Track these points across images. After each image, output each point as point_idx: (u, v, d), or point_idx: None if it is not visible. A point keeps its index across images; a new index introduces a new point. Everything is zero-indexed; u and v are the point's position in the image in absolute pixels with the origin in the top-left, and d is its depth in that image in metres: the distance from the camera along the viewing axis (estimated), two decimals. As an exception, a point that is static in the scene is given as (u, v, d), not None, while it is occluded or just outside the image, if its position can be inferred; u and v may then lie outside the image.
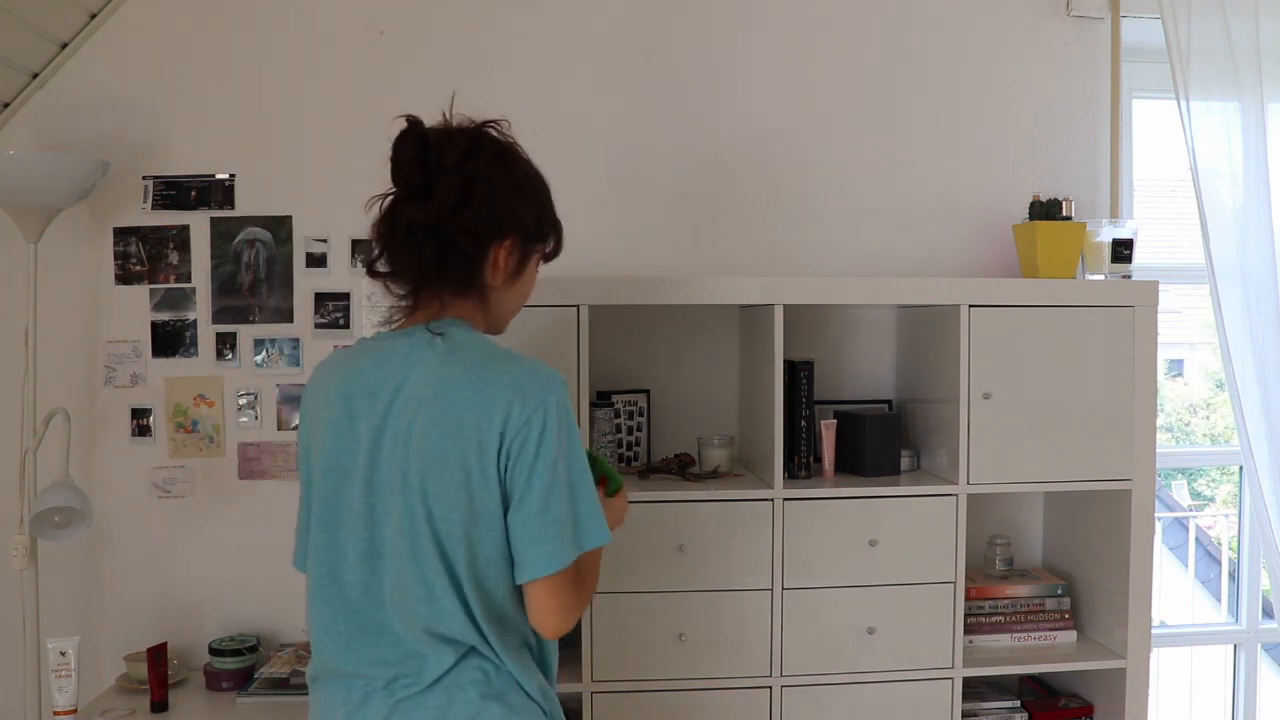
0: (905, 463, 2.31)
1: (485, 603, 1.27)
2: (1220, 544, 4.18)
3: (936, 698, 2.15)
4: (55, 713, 2.07)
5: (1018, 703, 2.30)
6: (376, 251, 1.35)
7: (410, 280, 1.35)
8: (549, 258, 1.47)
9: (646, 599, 2.08)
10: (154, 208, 2.43)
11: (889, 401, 2.53)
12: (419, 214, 1.30)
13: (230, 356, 2.44)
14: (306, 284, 2.45)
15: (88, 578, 2.43)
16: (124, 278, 2.43)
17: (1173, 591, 4.29)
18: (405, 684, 1.27)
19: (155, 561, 2.44)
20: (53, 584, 2.35)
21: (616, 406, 2.38)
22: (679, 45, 2.50)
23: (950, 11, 2.55)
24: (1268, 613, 2.81)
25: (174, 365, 2.44)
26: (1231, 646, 2.83)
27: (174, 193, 2.43)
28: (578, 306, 2.05)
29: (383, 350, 1.33)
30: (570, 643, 2.03)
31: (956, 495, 2.14)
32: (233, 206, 2.44)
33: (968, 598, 2.22)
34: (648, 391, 2.45)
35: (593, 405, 2.26)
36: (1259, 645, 2.81)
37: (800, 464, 2.21)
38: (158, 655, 2.17)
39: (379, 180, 1.35)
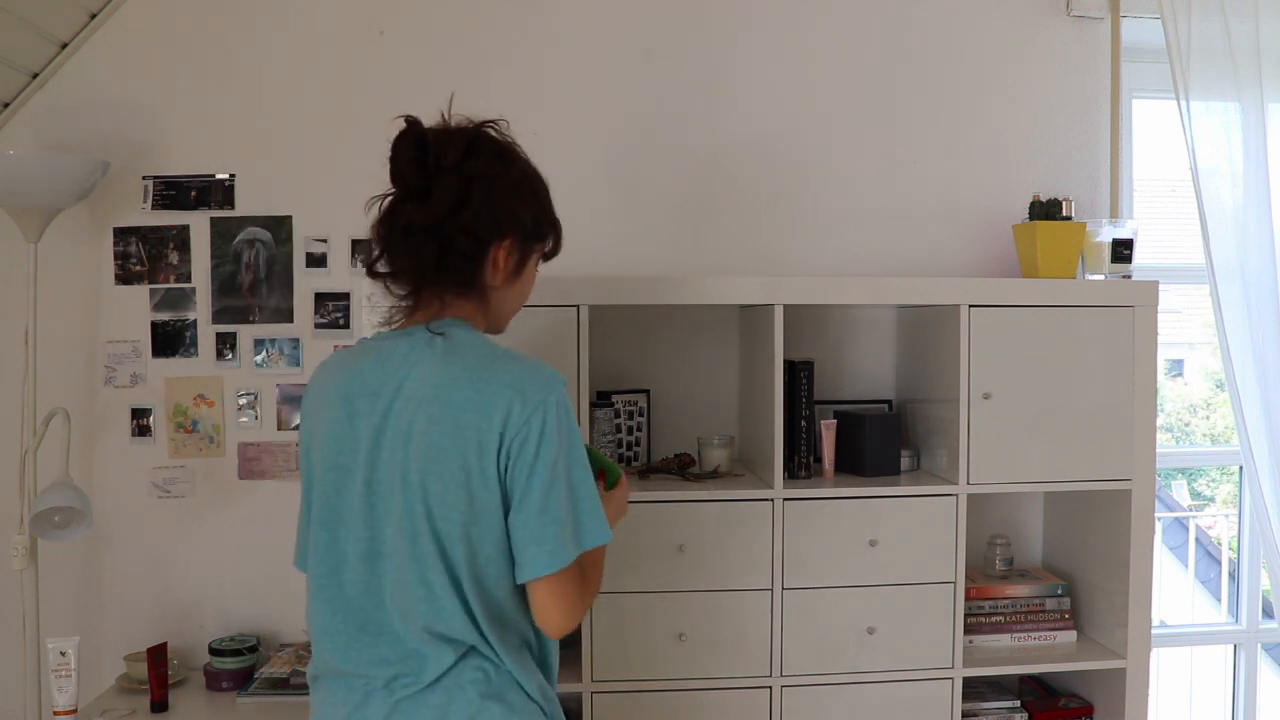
0: (905, 463, 2.31)
1: (485, 602, 1.27)
2: (1220, 544, 4.18)
3: (936, 698, 2.15)
4: (55, 713, 2.07)
5: (1018, 703, 2.30)
6: (376, 252, 1.35)
7: (410, 280, 1.35)
8: (548, 257, 1.47)
9: (646, 599, 2.08)
10: (154, 208, 2.43)
11: (889, 401, 2.53)
12: (418, 214, 1.30)
13: (230, 356, 2.44)
14: (306, 284, 2.45)
15: (88, 578, 2.43)
16: (124, 278, 2.43)
17: (1173, 591, 4.29)
18: (405, 683, 1.27)
19: (155, 561, 2.44)
20: (53, 584, 2.35)
21: (616, 406, 2.38)
22: (679, 45, 2.50)
23: (950, 11, 2.55)
24: (1268, 613, 2.81)
25: (174, 365, 2.44)
26: (1231, 646, 2.83)
27: (174, 193, 2.43)
28: (578, 306, 2.05)
29: (383, 350, 1.33)
30: (570, 643, 2.03)
31: (956, 495, 2.14)
32: (233, 206, 2.44)
33: (968, 598, 2.22)
34: (648, 391, 2.45)
35: (593, 405, 2.26)
36: (1259, 645, 2.81)
37: (800, 464, 2.21)
38: (158, 655, 2.17)
39: (379, 180, 1.35)
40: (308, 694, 1.38)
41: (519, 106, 2.39)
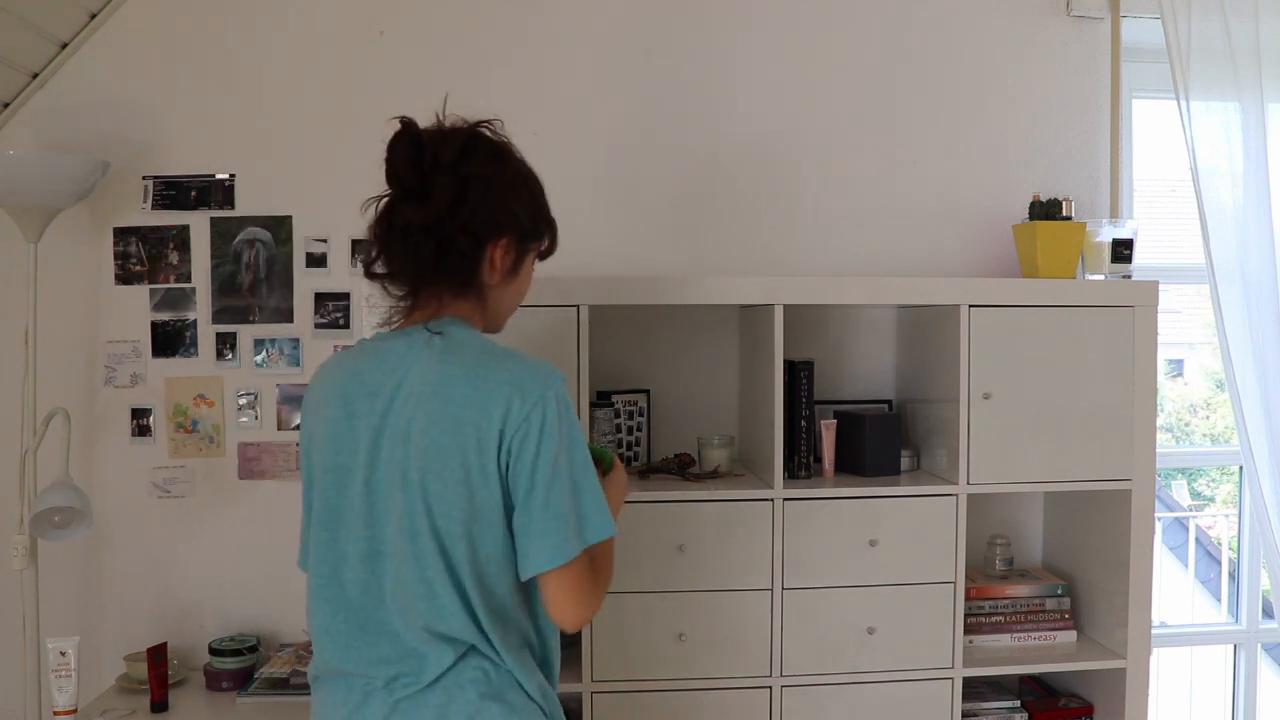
0: (905, 463, 2.31)
1: (487, 600, 1.27)
2: (1220, 544, 4.18)
3: (936, 698, 2.15)
4: (55, 713, 2.07)
5: (1018, 703, 2.30)
6: (374, 253, 1.35)
7: (408, 280, 1.35)
8: (544, 256, 1.47)
9: (646, 599, 2.08)
10: (154, 208, 2.43)
11: (889, 401, 2.53)
12: (415, 214, 1.30)
13: (230, 356, 2.44)
14: (306, 284, 2.45)
15: (88, 578, 2.43)
16: (124, 278, 2.43)
17: (1173, 591, 4.29)
18: (405, 683, 1.27)
19: (155, 561, 2.44)
20: (53, 584, 2.35)
21: (616, 406, 2.38)
22: (679, 45, 2.50)
23: (950, 11, 2.55)
24: (1268, 613, 2.81)
25: (174, 365, 2.44)
26: (1231, 646, 2.83)
27: (174, 193, 2.43)
28: (578, 306, 2.05)
29: (382, 350, 1.33)
30: (570, 643, 2.03)
31: (956, 495, 2.14)
32: (233, 206, 2.44)
33: (968, 598, 2.22)
34: (648, 391, 2.45)
35: (593, 405, 2.26)
36: (1259, 645, 2.81)
37: (800, 464, 2.21)
38: (158, 655, 2.17)
39: (379, 180, 1.35)
40: (308, 694, 1.38)
41: (519, 106, 2.42)
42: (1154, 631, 2.26)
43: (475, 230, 1.32)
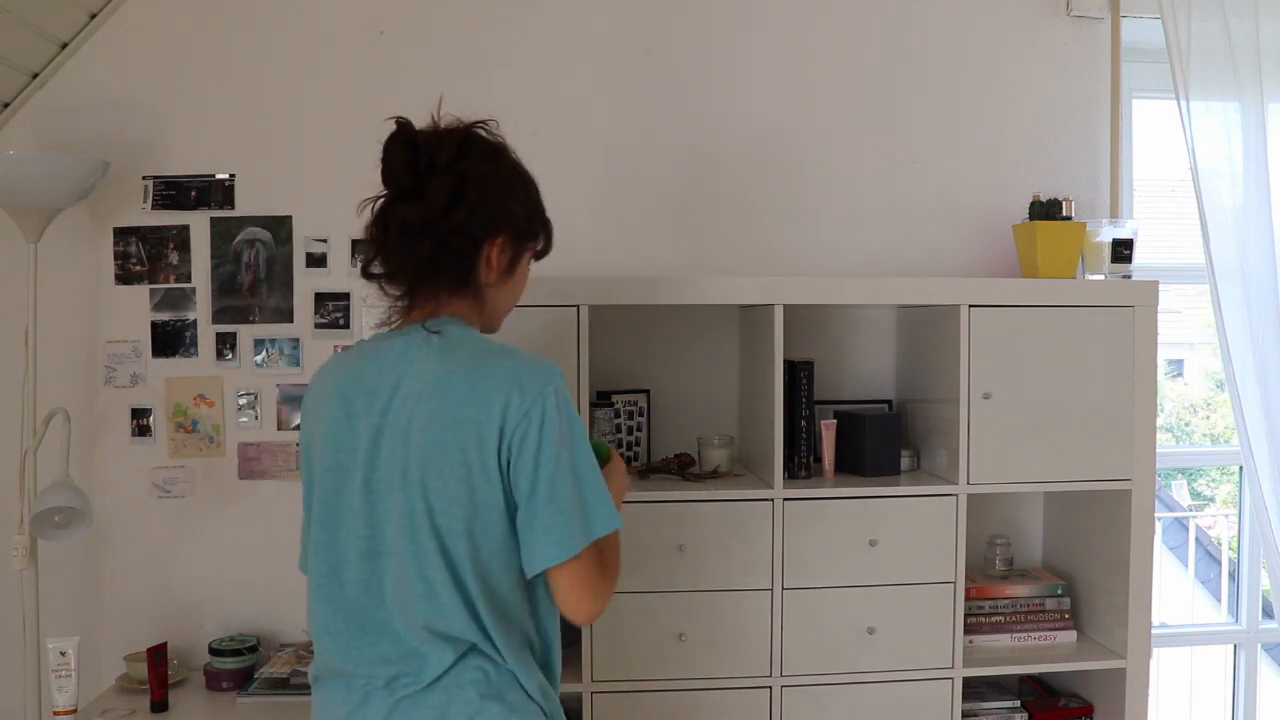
0: (905, 463, 2.31)
1: (489, 599, 1.27)
2: (1220, 544, 4.18)
3: (936, 698, 2.15)
4: (55, 713, 2.07)
5: (1018, 703, 2.30)
6: (371, 253, 1.36)
7: (405, 280, 1.36)
8: (540, 255, 1.48)
9: (646, 599, 2.08)
10: (154, 208, 2.43)
11: (889, 401, 2.53)
12: (412, 214, 1.31)
13: (230, 356, 2.44)
14: (306, 284, 2.45)
15: (88, 578, 2.43)
16: (124, 278, 2.43)
17: (1173, 591, 4.29)
18: (405, 683, 1.27)
19: (155, 561, 2.44)
20: (53, 584, 2.35)
21: (616, 406, 2.38)
22: (679, 45, 2.50)
23: (950, 11, 2.55)
24: (1268, 613, 2.81)
25: (174, 365, 2.44)
26: (1231, 646, 2.83)
27: (174, 193, 2.43)
28: (578, 306, 2.05)
29: (380, 350, 1.34)
30: (570, 643, 2.03)
31: (956, 495, 2.14)
32: (233, 206, 2.44)
33: (968, 598, 2.22)
34: (648, 391, 2.45)
35: (593, 405, 2.26)
36: (1259, 645, 2.81)
37: (800, 464, 2.21)
38: (158, 655, 2.17)
39: (379, 181, 1.36)
40: (308, 694, 1.38)
41: (519, 106, 2.42)
42: (1154, 631, 2.26)
43: (471, 230, 1.33)
